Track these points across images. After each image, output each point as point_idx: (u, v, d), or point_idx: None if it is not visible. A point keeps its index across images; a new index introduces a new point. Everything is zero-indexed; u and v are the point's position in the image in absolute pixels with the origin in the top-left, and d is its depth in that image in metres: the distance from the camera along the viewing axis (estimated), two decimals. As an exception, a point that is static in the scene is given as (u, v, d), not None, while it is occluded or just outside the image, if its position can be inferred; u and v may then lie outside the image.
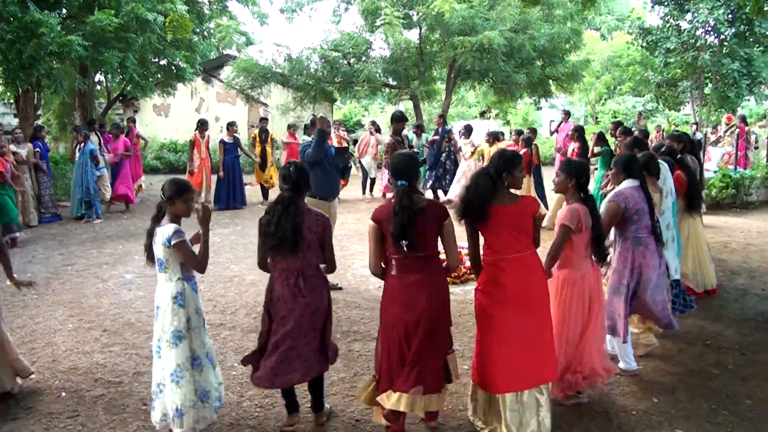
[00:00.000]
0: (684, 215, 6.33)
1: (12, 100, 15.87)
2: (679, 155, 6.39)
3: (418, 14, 16.84)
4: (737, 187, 12.61)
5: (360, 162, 14.80)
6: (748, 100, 23.25)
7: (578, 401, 4.26)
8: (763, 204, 12.81)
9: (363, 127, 21.75)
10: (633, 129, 13.91)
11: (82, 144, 11.61)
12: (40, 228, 10.91)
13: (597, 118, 29.24)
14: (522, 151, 10.77)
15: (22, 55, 11.01)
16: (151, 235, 3.83)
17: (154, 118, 22.99)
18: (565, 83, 18.68)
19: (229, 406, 4.28)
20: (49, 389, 4.63)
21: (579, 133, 10.94)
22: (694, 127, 17.71)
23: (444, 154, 13.33)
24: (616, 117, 25.88)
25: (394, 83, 18.18)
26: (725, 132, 16.95)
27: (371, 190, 14.69)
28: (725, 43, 18.50)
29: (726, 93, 18.76)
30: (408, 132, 13.09)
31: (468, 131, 13.60)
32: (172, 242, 3.70)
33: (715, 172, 13.20)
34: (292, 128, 14.30)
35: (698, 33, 18.58)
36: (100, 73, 16.13)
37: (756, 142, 17.50)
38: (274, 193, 13.67)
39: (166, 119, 23.11)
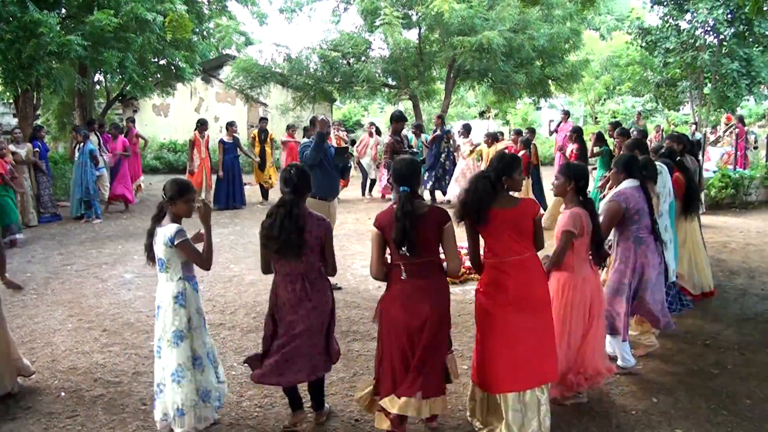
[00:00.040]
0: (680, 217, 6.33)
1: (11, 100, 15.88)
2: (678, 157, 6.38)
3: (417, 14, 16.85)
4: (736, 187, 12.62)
5: (359, 163, 14.81)
6: (748, 100, 23.26)
7: (578, 401, 4.27)
8: (762, 204, 12.81)
9: (362, 127, 21.73)
10: (632, 129, 13.95)
11: (82, 144, 11.60)
12: (39, 228, 10.90)
13: (596, 118, 29.25)
14: (521, 153, 10.78)
15: (21, 55, 11.00)
16: (151, 234, 3.84)
17: (153, 118, 22.97)
18: (565, 83, 18.69)
19: (229, 405, 4.28)
20: (49, 389, 4.63)
21: (577, 134, 10.94)
22: (694, 127, 17.70)
23: (443, 155, 13.33)
24: (615, 117, 25.88)
25: (394, 83, 18.18)
26: (724, 132, 16.96)
27: (370, 190, 14.70)
28: (724, 43, 18.50)
29: (725, 93, 18.76)
30: (407, 132, 13.10)
31: (467, 130, 13.61)
32: (175, 242, 3.70)
33: (714, 172, 13.21)
34: (291, 129, 14.30)
35: (697, 33, 18.58)
36: (100, 73, 16.13)
37: (755, 142, 17.50)
38: (273, 193, 13.73)
39: (166, 119, 23.10)
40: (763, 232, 10.29)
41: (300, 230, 3.70)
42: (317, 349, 3.83)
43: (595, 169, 10.39)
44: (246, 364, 4.82)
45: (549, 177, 12.95)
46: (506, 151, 11.65)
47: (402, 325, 3.63)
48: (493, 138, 12.63)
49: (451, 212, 3.76)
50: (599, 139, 10.17)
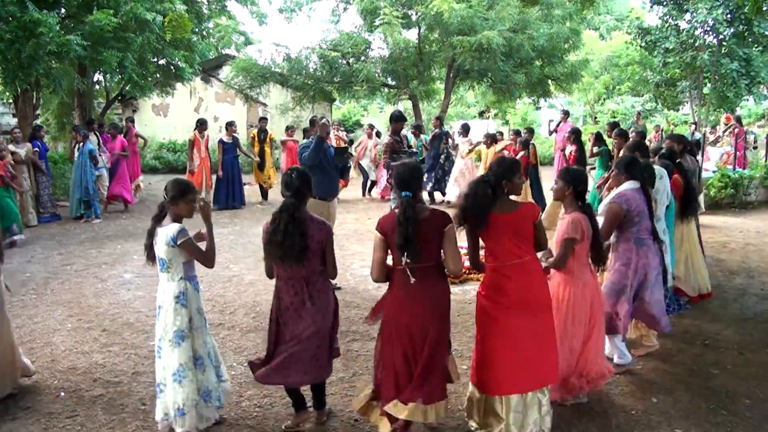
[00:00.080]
0: (677, 219, 6.32)
1: (11, 100, 15.87)
2: (678, 158, 6.38)
3: (417, 14, 16.86)
4: (736, 187, 12.62)
5: (359, 164, 14.82)
6: (747, 100, 23.27)
7: (578, 401, 4.27)
8: (761, 204, 12.81)
9: (362, 127, 21.74)
10: (631, 129, 13.96)
11: (81, 144, 11.61)
12: (39, 228, 10.90)
13: (596, 118, 29.24)
14: (519, 154, 10.79)
15: (20, 55, 10.99)
16: (152, 234, 3.84)
17: (153, 117, 22.97)
18: (564, 83, 18.71)
19: (228, 405, 4.28)
20: (48, 389, 4.63)
21: (576, 135, 10.95)
22: (693, 127, 17.72)
23: (443, 156, 13.34)
24: (615, 117, 25.87)
25: (393, 83, 18.19)
26: (724, 132, 16.97)
27: (370, 191, 14.71)
28: (724, 43, 18.52)
29: (725, 93, 18.78)
30: (406, 132, 13.10)
31: (465, 130, 13.61)
32: (178, 241, 3.71)
33: (714, 172, 13.21)
34: (290, 130, 14.32)
35: (697, 33, 18.60)
36: (99, 73, 16.13)
37: (755, 142, 17.51)
38: (273, 194, 13.74)
39: (165, 119, 23.09)
40: (762, 232, 10.29)
41: (303, 235, 3.70)
42: (322, 352, 3.84)
43: (593, 168, 10.39)
44: (244, 365, 4.83)
45: (548, 177, 12.98)
46: (505, 151, 11.69)
47: (404, 329, 3.63)
48: (491, 139, 12.63)
49: (450, 212, 3.76)
50: (598, 139, 10.16)
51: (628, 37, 21.86)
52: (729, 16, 17.73)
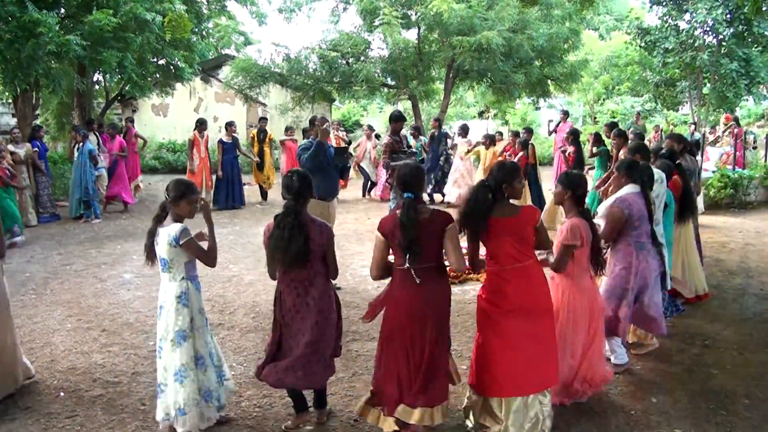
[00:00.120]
0: (675, 222, 6.33)
1: (10, 100, 15.86)
2: (677, 158, 6.38)
3: (416, 14, 16.85)
4: (735, 187, 12.62)
5: (359, 166, 14.83)
6: (747, 100, 23.27)
7: (577, 400, 4.27)
8: (761, 204, 12.82)
9: (361, 128, 21.76)
10: (630, 129, 13.96)
11: (81, 144, 11.60)
12: (38, 228, 10.89)
13: (595, 118, 29.24)
14: (519, 155, 10.79)
15: (20, 55, 10.98)
16: (152, 234, 3.84)
17: (152, 117, 22.95)
18: (564, 83, 18.71)
19: (228, 405, 4.27)
20: (48, 389, 4.63)
21: (574, 136, 10.95)
22: (693, 127, 17.72)
23: (442, 158, 13.35)
24: (614, 117, 25.87)
25: (393, 83, 18.19)
26: (723, 132, 16.97)
27: (369, 192, 14.71)
28: (723, 43, 18.52)
29: (724, 93, 18.78)
30: (406, 132, 13.10)
31: (465, 131, 13.61)
32: (181, 241, 3.71)
33: (713, 172, 13.21)
34: (289, 130, 14.32)
35: (697, 33, 18.60)
36: (99, 73, 16.12)
37: (754, 142, 17.51)
38: (272, 194, 13.73)
39: (165, 119, 23.08)
40: (762, 232, 10.29)
41: (305, 239, 3.70)
42: (327, 354, 3.85)
43: (592, 168, 10.40)
44: (243, 365, 4.83)
45: (547, 177, 13.00)
46: (506, 152, 11.70)
47: (405, 329, 3.64)
48: (490, 140, 12.64)
49: (451, 213, 3.77)
50: (597, 139, 10.17)
51: (628, 37, 21.85)
52: (728, 16, 17.73)
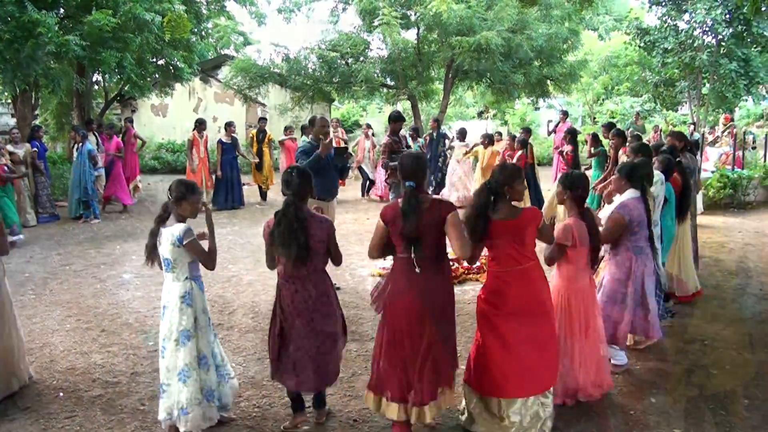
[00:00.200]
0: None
1: (9, 100, 15.86)
2: (678, 156, 6.38)
3: (415, 14, 16.83)
4: (735, 187, 12.62)
5: (359, 166, 14.83)
6: (746, 100, 23.27)
7: (579, 401, 4.28)
8: (760, 204, 12.82)
9: (361, 127, 21.78)
10: (630, 129, 13.96)
11: (80, 144, 11.60)
12: (37, 228, 10.89)
13: (595, 118, 29.24)
14: (518, 153, 10.80)
15: (19, 55, 10.98)
16: (155, 235, 3.84)
17: (151, 118, 22.94)
18: (563, 83, 18.69)
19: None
20: (47, 389, 4.63)
21: (572, 135, 10.95)
22: (692, 127, 17.73)
23: (441, 159, 13.35)
24: (613, 117, 25.89)
25: (392, 83, 18.17)
26: (723, 132, 16.98)
27: (368, 192, 14.70)
28: (723, 44, 18.53)
29: (724, 93, 18.78)
30: (405, 133, 13.09)
31: (462, 135, 13.60)
32: (184, 241, 3.71)
33: (712, 172, 13.22)
34: (288, 129, 14.31)
35: (696, 33, 18.61)
36: (98, 73, 16.10)
37: (753, 142, 17.51)
38: (271, 194, 13.73)
39: (164, 119, 23.06)
40: (761, 232, 10.30)
41: (305, 236, 3.72)
42: (331, 352, 3.88)
43: (589, 169, 10.41)
44: (243, 365, 4.83)
45: (546, 177, 13.00)
46: (504, 153, 11.70)
47: (403, 317, 3.66)
48: (489, 139, 12.64)
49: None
50: (595, 140, 10.18)
51: (627, 37, 21.85)
52: (728, 16, 17.74)
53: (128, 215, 12.34)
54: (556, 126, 15.97)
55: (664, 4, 19.21)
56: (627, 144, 7.96)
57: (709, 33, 18.63)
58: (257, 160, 13.67)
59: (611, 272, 4.80)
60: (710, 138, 16.96)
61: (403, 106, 24.38)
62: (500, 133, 15.94)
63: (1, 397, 4.41)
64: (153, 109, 22.89)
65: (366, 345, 5.36)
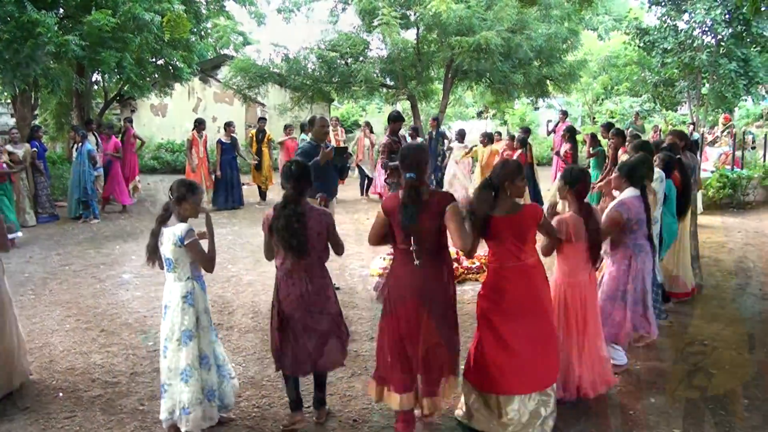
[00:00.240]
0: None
1: (9, 100, 15.85)
2: (678, 154, 6.38)
3: (415, 14, 16.82)
4: (734, 187, 12.62)
5: (358, 166, 14.82)
6: (745, 100, 23.28)
7: (580, 398, 4.28)
8: (760, 204, 12.81)
9: (360, 128, 21.80)
10: (629, 129, 13.96)
11: (80, 144, 11.60)
12: (37, 228, 10.88)
13: (594, 118, 29.23)
14: (518, 152, 10.81)
15: (19, 55, 10.97)
16: (156, 235, 3.84)
17: (151, 118, 22.93)
18: (563, 83, 18.68)
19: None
20: (47, 389, 4.62)
21: (571, 133, 10.94)
22: (691, 127, 17.73)
23: (440, 158, 13.35)
24: (613, 117, 25.88)
25: (392, 83, 18.17)
26: (722, 132, 16.98)
27: (367, 191, 14.70)
28: (722, 44, 18.53)
29: (723, 93, 18.78)
30: (404, 132, 13.09)
31: (461, 135, 13.60)
32: (186, 241, 3.71)
33: (712, 172, 13.22)
34: (288, 128, 14.30)
35: (695, 33, 18.62)
36: (98, 73, 16.09)
37: (753, 142, 17.52)
38: (271, 194, 13.72)
39: (164, 119, 23.05)
40: (760, 232, 10.30)
41: (304, 230, 3.74)
42: (332, 340, 3.90)
43: (587, 168, 10.40)
44: (242, 365, 4.83)
45: (545, 177, 13.00)
46: (503, 151, 11.70)
47: (402, 309, 3.67)
48: (488, 138, 12.65)
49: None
50: (594, 140, 10.18)
51: (627, 37, 21.84)
52: (727, 16, 17.74)
53: (128, 215, 12.33)
54: (556, 126, 15.97)
55: (663, 4, 19.22)
56: (626, 144, 7.97)
57: (709, 33, 18.64)
58: (257, 160, 13.65)
59: (611, 271, 4.81)
60: (710, 138, 16.96)
61: (403, 106, 24.38)
62: (500, 133, 15.95)
63: (2, 395, 4.42)
64: (152, 109, 22.88)
65: (366, 345, 5.36)
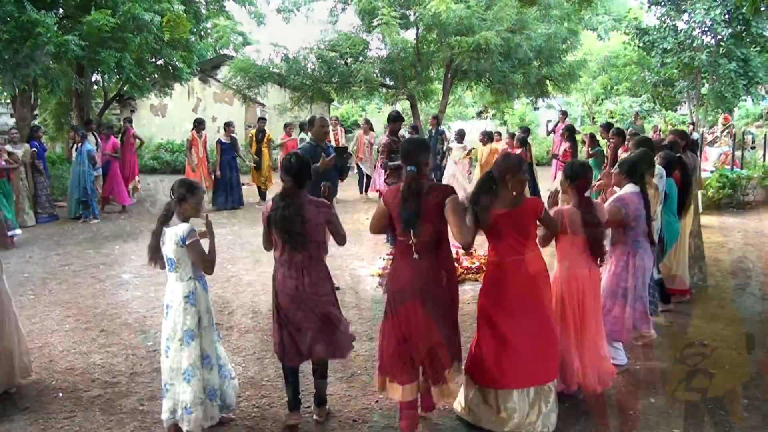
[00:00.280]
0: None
1: (8, 100, 15.85)
2: (679, 153, 6.38)
3: (414, 14, 16.82)
4: (734, 187, 12.62)
5: (358, 165, 14.81)
6: (745, 100, 23.29)
7: (580, 394, 4.28)
8: (759, 204, 12.81)
9: (359, 128, 21.81)
10: (629, 129, 13.96)
11: (80, 144, 11.59)
12: (37, 228, 10.87)
13: (594, 118, 29.24)
14: (518, 152, 10.81)
15: (18, 55, 10.97)
16: (158, 235, 3.84)
17: (151, 118, 22.92)
18: (562, 83, 18.69)
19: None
20: (46, 390, 4.62)
21: (570, 132, 10.93)
22: (691, 127, 17.73)
23: (439, 157, 13.35)
24: (612, 117, 25.89)
25: (391, 83, 18.17)
26: (722, 132, 16.98)
27: (366, 189, 14.69)
28: (722, 44, 18.55)
29: (723, 93, 18.80)
30: (404, 132, 13.09)
31: (461, 136, 13.59)
32: (187, 241, 3.71)
33: (711, 172, 13.22)
34: (288, 127, 14.29)
35: (695, 33, 18.64)
36: (97, 73, 16.09)
37: (753, 142, 17.52)
38: (270, 194, 13.69)
39: (163, 119, 23.04)
40: (760, 232, 10.30)
41: (303, 222, 3.76)
42: (332, 330, 3.92)
43: (587, 166, 10.40)
44: (242, 365, 4.83)
45: (545, 177, 12.98)
46: (503, 150, 11.70)
47: (400, 298, 3.67)
48: (488, 137, 12.65)
49: None
50: (593, 140, 10.18)
51: (626, 37, 21.86)
52: (727, 16, 17.76)
53: (127, 215, 12.32)
54: (555, 126, 15.97)
55: (663, 4, 19.23)
56: (626, 143, 7.97)
57: (709, 33, 18.66)
58: (256, 161, 13.63)
59: (610, 267, 4.82)
60: (709, 138, 16.96)
61: (403, 106, 24.39)
62: (499, 133, 15.95)
63: (2, 391, 4.44)
64: (152, 109, 22.88)
65: (366, 345, 5.35)
